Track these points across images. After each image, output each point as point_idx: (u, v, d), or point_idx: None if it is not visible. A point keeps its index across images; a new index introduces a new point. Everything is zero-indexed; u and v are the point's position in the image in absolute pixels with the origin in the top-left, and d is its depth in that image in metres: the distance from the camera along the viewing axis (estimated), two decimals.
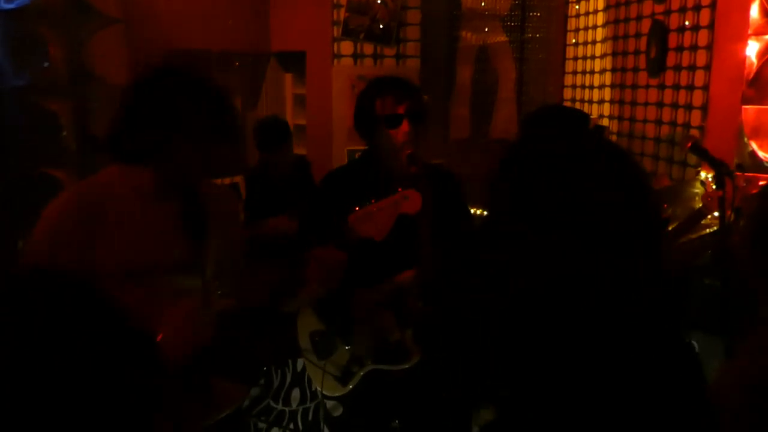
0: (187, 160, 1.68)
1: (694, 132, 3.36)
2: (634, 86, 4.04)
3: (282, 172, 3.38)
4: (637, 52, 4.00)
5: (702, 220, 2.56)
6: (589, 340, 0.90)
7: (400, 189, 1.91)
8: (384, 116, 2.15)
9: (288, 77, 4.85)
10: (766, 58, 3.05)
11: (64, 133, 2.98)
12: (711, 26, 3.30)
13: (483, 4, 4.87)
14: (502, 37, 4.97)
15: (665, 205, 3.07)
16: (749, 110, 3.12)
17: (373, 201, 1.88)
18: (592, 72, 4.58)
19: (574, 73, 4.82)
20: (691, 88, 3.46)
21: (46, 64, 3.00)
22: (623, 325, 0.90)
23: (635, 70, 4.02)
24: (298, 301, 2.17)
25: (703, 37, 3.35)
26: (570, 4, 4.82)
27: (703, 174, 2.98)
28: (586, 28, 4.67)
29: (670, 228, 2.67)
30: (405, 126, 2.13)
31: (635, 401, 0.88)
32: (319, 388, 2.24)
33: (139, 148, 1.66)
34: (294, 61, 4.70)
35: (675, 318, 0.99)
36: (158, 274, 1.69)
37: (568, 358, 0.90)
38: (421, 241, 2.16)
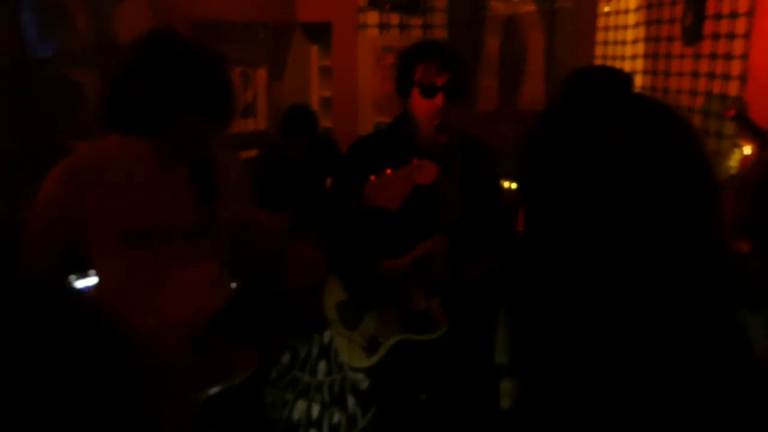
0: (185, 130, 1.67)
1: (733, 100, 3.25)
2: (669, 56, 3.93)
3: (296, 156, 3.35)
4: (672, 21, 3.88)
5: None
6: (618, 318, 0.86)
7: (415, 160, 1.91)
8: (421, 84, 2.12)
9: (314, 49, 4.80)
10: None
11: (90, 104, 2.99)
12: None
13: None
14: (531, 7, 4.86)
15: None
16: None
17: (388, 171, 1.89)
18: (624, 42, 4.46)
19: (605, 43, 4.71)
20: (729, 57, 3.35)
21: (71, 35, 2.99)
22: (655, 304, 0.86)
23: (670, 39, 3.91)
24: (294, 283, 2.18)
25: (743, 4, 3.23)
26: None
27: (746, 149, 2.89)
28: None
29: None
30: (440, 99, 2.10)
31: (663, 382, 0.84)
32: (346, 359, 2.24)
33: (137, 119, 1.64)
34: (320, 32, 4.65)
35: (721, 296, 0.94)
36: (168, 238, 1.70)
37: (596, 337, 0.87)
38: (448, 209, 2.14)
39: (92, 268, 1.74)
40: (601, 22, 4.76)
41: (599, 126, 0.88)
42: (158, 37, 1.64)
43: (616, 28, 4.56)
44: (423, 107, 2.13)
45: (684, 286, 0.86)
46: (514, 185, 2.74)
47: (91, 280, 1.82)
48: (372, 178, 1.89)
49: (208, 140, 1.75)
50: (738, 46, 3.28)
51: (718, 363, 0.85)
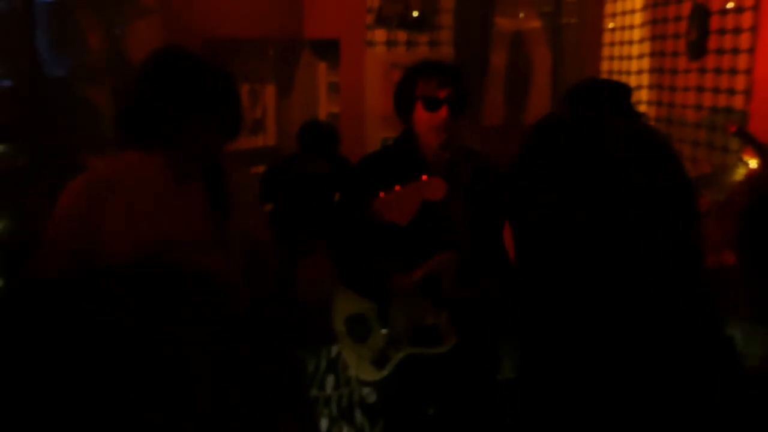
0: (195, 142, 1.70)
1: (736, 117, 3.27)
2: (674, 71, 3.95)
3: (310, 173, 3.36)
4: (676, 36, 3.91)
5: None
6: (613, 322, 0.87)
7: (424, 176, 1.93)
8: (423, 97, 2.14)
9: (322, 65, 4.85)
10: None
11: (103, 123, 3.03)
12: (755, 8, 3.21)
13: None
14: (537, 23, 4.90)
15: (704, 191, 3.00)
16: None
17: (397, 187, 1.90)
18: (630, 57, 4.49)
19: (611, 58, 4.74)
20: (733, 72, 3.37)
21: (85, 53, 3.05)
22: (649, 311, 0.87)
23: (675, 54, 3.93)
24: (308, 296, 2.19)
25: (747, 20, 3.26)
26: None
27: (751, 163, 2.90)
28: (623, 13, 4.58)
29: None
30: (443, 112, 2.12)
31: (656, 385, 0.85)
32: (354, 372, 2.26)
33: (148, 133, 1.68)
34: (328, 49, 4.70)
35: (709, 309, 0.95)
36: (180, 251, 1.72)
37: (591, 343, 0.88)
38: (456, 225, 2.16)
39: None
40: (606, 37, 4.79)
41: (600, 130, 0.90)
42: (166, 53, 1.69)
43: (622, 43, 4.60)
44: (426, 121, 2.15)
45: (674, 292, 0.88)
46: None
47: None
48: (381, 194, 1.92)
49: (219, 152, 1.78)
50: (742, 61, 3.31)
51: (704, 373, 0.87)
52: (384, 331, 2.19)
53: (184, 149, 1.71)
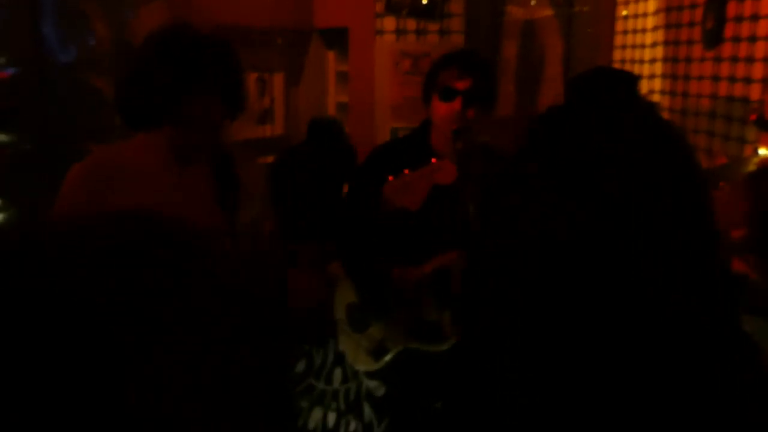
0: (197, 116, 1.68)
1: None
2: (689, 60, 3.88)
3: (313, 162, 3.33)
4: (692, 24, 3.83)
5: None
6: (618, 324, 0.84)
7: (434, 160, 1.90)
8: (440, 87, 2.12)
9: (330, 54, 4.81)
10: None
11: (109, 109, 3.01)
12: None
13: None
14: (549, 11, 4.83)
15: (721, 183, 2.95)
16: None
17: (406, 171, 1.88)
18: (643, 46, 4.42)
19: (624, 47, 4.67)
20: (750, 60, 3.30)
21: (91, 40, 3.02)
22: (664, 313, 0.84)
23: (690, 42, 3.86)
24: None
25: (765, 6, 3.19)
26: None
27: (762, 151, 2.85)
28: (637, 0, 4.51)
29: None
30: (457, 103, 2.09)
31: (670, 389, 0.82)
32: (351, 360, 2.24)
33: (149, 110, 1.66)
34: (337, 38, 4.65)
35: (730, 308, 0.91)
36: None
37: (595, 345, 0.85)
38: (465, 219, 2.13)
39: None
40: (619, 25, 4.72)
41: (600, 123, 0.87)
42: (165, 30, 1.67)
43: (635, 31, 4.52)
44: (441, 111, 2.12)
45: (684, 287, 0.85)
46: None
47: None
48: (390, 178, 1.89)
49: (220, 128, 1.74)
50: (760, 49, 3.24)
51: (724, 370, 0.83)
52: (383, 323, 2.17)
53: (185, 125, 1.68)
